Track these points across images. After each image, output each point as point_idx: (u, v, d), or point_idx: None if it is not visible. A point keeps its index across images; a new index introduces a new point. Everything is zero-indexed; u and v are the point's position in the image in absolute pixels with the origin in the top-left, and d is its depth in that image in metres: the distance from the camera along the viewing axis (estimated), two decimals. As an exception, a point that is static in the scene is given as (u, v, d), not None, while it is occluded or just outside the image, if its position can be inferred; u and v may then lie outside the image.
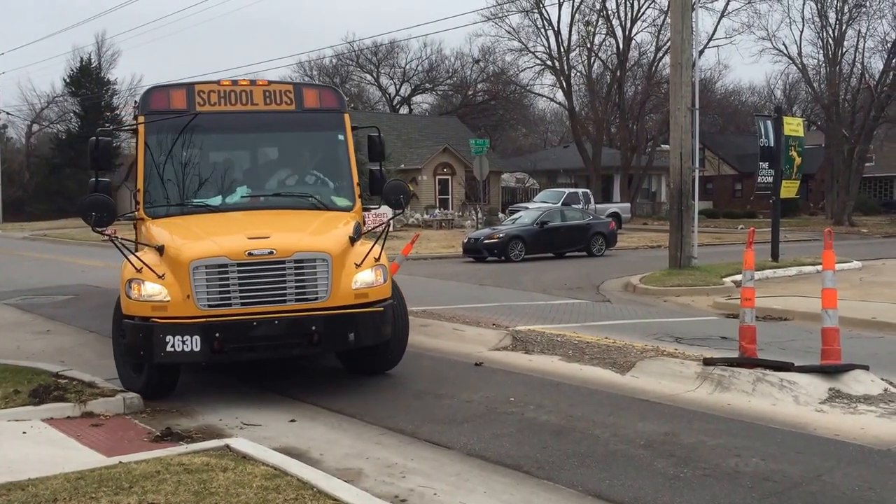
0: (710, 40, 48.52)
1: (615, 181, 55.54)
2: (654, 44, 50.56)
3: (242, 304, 7.62)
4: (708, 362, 8.69)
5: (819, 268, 9.66)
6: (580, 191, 43.10)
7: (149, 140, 8.83)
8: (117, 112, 69.23)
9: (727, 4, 48.38)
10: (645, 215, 52.98)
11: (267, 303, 7.66)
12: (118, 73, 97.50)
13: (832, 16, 46.57)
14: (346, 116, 9.48)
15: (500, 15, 51.03)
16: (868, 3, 45.23)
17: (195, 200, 8.72)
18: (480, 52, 57.15)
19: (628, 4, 50.26)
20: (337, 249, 7.95)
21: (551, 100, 59.34)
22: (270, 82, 9.39)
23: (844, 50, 47.03)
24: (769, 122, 20.85)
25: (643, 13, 50.57)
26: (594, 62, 53.11)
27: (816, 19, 47.31)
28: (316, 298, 7.77)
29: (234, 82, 9.18)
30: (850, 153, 45.46)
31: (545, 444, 6.63)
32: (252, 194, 8.96)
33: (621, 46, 51.03)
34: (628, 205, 46.91)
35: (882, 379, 8.23)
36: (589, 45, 52.12)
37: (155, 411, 7.76)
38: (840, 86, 46.56)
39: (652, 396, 8.08)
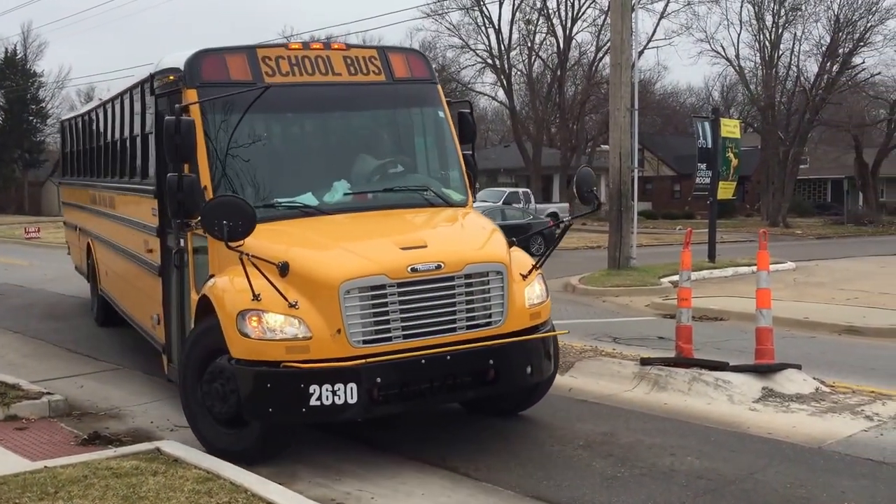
0: (649, 41, 49.30)
1: (555, 181, 56.12)
2: (595, 44, 51.19)
3: (405, 336, 6.00)
4: (645, 362, 8.86)
5: (754, 268, 9.92)
6: (521, 190, 43.43)
7: (208, 121, 6.83)
8: (43, 105, 67.40)
9: (666, 5, 49.05)
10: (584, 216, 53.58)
11: (434, 333, 6.08)
12: (45, 65, 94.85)
13: (769, 19, 47.78)
14: (440, 88, 7.93)
15: (441, 12, 51.10)
16: (804, 7, 46.53)
17: (284, 201, 6.75)
18: (421, 48, 57.06)
19: (569, 3, 50.77)
20: (507, 258, 6.56)
21: (492, 98, 59.53)
22: (349, 46, 7.68)
23: (780, 53, 48.29)
24: (707, 124, 21.29)
25: (584, 12, 51.11)
26: (535, 61, 53.56)
27: (754, 22, 48.47)
28: (489, 324, 6.29)
29: (306, 45, 7.38)
30: (786, 155, 46.67)
31: (483, 445, 6.69)
32: (355, 191, 7.12)
33: (562, 46, 51.52)
34: (567, 205, 47.44)
35: (814, 378, 8.50)
36: (529, 44, 52.53)
37: (83, 415, 7.62)
38: (776, 88, 47.76)
39: (590, 396, 8.21)
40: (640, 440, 6.80)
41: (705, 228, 22.00)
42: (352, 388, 5.77)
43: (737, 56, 49.53)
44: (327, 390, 5.74)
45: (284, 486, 5.54)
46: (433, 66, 8.29)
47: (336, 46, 7.47)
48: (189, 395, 6.49)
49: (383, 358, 5.87)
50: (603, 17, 48.19)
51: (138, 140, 8.87)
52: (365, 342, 5.89)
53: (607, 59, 36.03)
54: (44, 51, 74.35)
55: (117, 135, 10.06)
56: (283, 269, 5.96)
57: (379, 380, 5.85)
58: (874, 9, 44.56)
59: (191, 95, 6.87)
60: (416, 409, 6.60)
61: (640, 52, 43.10)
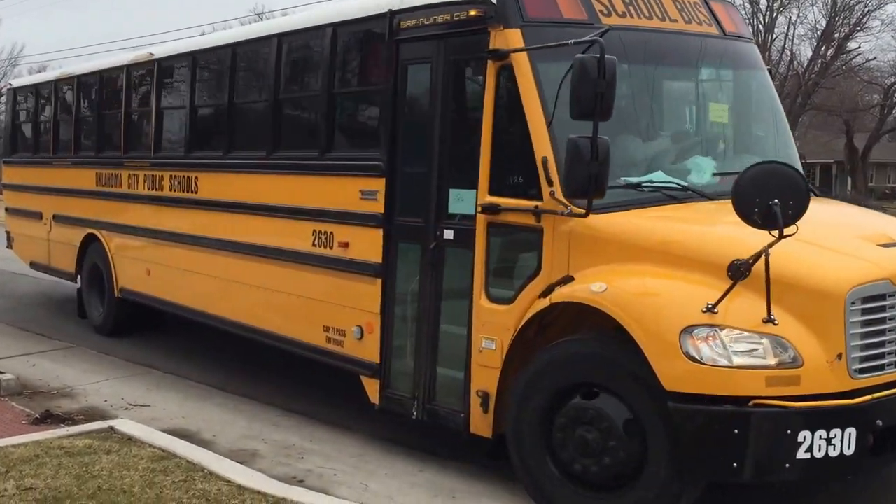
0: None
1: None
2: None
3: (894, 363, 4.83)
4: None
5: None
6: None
7: (542, 72, 5.36)
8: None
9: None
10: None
11: None
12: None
13: (763, 2, 48.03)
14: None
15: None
16: (800, -10, 46.74)
17: (653, 179, 5.44)
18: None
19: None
20: None
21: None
22: None
23: (774, 37, 48.54)
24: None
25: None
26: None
27: (747, 5, 48.61)
28: None
29: None
30: (776, 140, 47.01)
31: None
32: (722, 171, 5.83)
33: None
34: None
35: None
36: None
37: (35, 394, 7.62)
38: (769, 72, 48.02)
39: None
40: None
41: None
42: (850, 435, 4.49)
43: (730, 38, 49.68)
44: (821, 438, 4.45)
45: (244, 465, 5.59)
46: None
47: None
48: (525, 444, 5.15)
49: (882, 395, 4.64)
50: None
51: (321, 101, 6.96)
52: (861, 371, 4.67)
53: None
54: (-4, 27, 73.14)
55: (240, 96, 8.17)
56: (739, 269, 4.52)
57: (879, 422, 4.61)
58: (873, -7, 44.93)
59: (512, 38, 5.42)
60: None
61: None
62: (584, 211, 4.96)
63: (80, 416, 6.88)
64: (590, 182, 4.87)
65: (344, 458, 6.05)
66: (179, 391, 7.78)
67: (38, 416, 6.76)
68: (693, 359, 4.48)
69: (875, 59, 47.62)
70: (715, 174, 5.73)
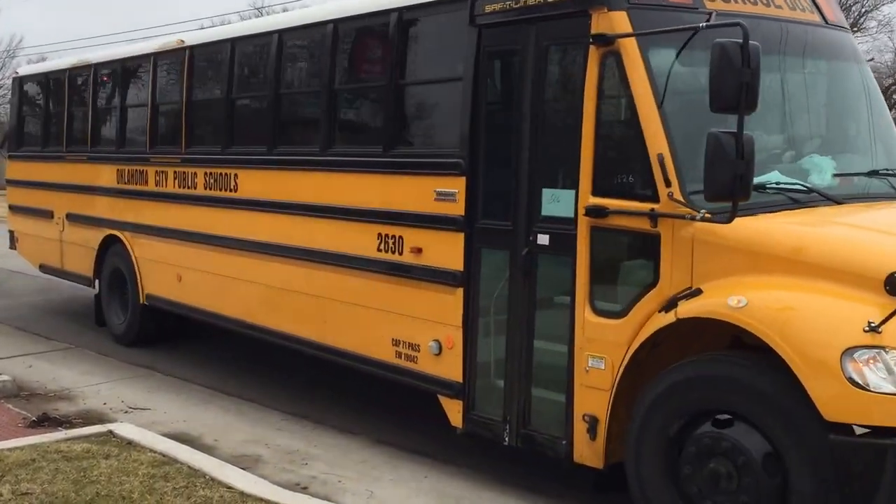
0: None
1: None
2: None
3: None
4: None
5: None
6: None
7: (654, 59, 4.98)
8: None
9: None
10: None
11: None
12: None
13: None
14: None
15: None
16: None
17: (771, 180, 5.03)
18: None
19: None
20: None
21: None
22: None
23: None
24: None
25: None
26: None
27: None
28: None
29: None
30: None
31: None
32: (841, 171, 5.45)
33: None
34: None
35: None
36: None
37: (31, 396, 7.60)
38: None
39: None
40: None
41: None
42: None
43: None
44: None
45: (247, 471, 5.56)
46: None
47: None
48: (647, 476, 4.69)
49: None
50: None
51: (385, 93, 6.46)
52: None
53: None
54: (-6, 17, 73.04)
55: (289, 87, 7.72)
56: None
57: None
58: (870, -7, 44.96)
59: (618, 21, 4.98)
60: None
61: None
62: (710, 215, 4.51)
63: (78, 419, 6.86)
64: (735, 183, 4.36)
65: (349, 463, 6.03)
66: (181, 394, 7.75)
67: (34, 418, 6.74)
68: (857, 385, 4.01)
69: (872, 59, 47.34)
70: (835, 175, 5.30)
